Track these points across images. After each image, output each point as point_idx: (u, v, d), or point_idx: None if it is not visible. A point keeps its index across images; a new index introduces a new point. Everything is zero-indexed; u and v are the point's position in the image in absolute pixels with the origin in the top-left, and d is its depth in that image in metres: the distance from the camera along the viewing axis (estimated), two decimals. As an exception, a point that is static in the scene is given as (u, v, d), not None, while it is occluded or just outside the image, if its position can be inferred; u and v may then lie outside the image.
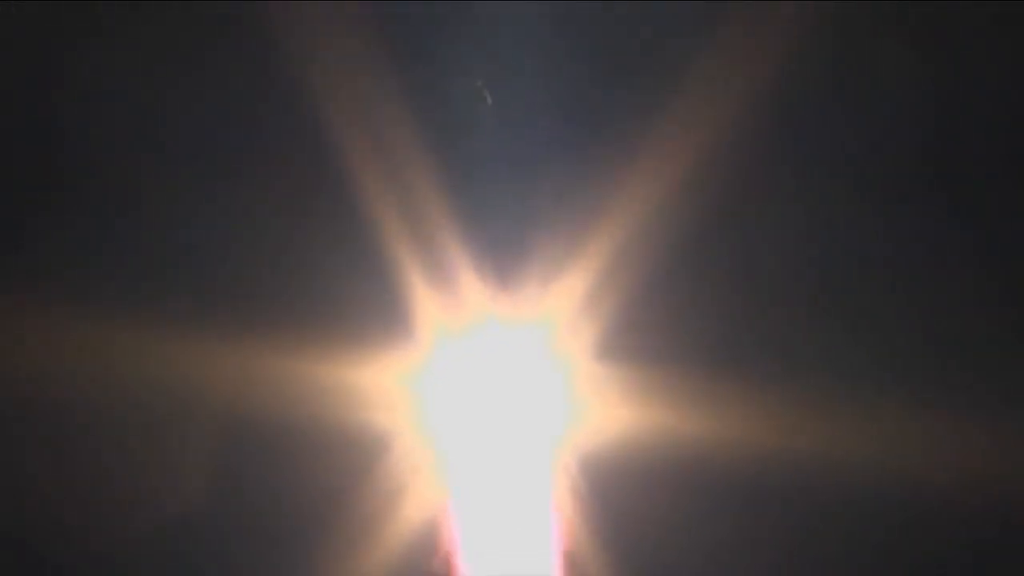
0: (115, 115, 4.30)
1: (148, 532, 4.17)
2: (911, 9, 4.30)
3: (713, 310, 4.25)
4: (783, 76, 4.22)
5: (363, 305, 4.13)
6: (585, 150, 4.22)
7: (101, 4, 4.25)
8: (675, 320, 4.20)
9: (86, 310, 4.17)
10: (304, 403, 4.09)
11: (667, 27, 4.34)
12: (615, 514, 4.10)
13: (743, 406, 4.11)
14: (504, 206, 4.17)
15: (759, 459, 4.07)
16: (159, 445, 4.19)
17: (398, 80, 4.19)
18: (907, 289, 4.32)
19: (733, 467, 4.06)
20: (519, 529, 4.11)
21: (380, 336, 4.13)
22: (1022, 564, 4.19)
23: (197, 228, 4.23)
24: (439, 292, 4.12)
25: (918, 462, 4.13)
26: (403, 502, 4.08)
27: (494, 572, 4.07)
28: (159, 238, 4.26)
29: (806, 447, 4.11)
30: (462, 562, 4.07)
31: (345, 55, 4.19)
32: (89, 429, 4.18)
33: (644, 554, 4.09)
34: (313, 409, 4.08)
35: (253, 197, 4.20)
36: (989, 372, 4.22)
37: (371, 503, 4.07)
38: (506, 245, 4.16)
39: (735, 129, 4.22)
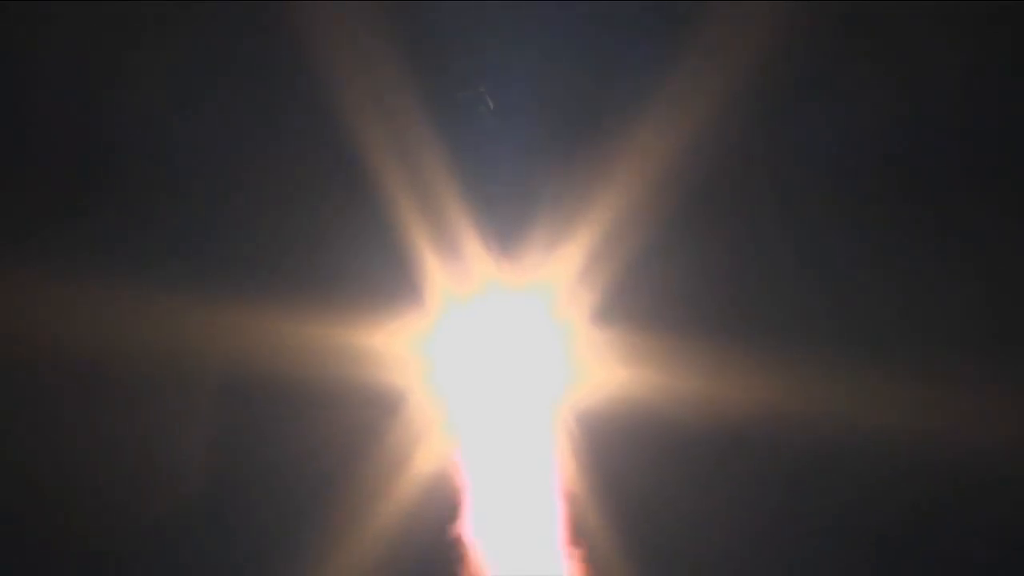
0: (162, 114, 4.59)
1: (178, 483, 4.45)
2: (889, 14, 4.57)
3: (704, 278, 4.51)
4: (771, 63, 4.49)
5: (378, 274, 4.40)
6: (584, 131, 4.48)
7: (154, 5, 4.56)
8: (668, 287, 4.46)
9: (134, 283, 4.44)
10: (323, 364, 4.35)
11: (654, 29, 4.62)
12: (611, 466, 4.38)
13: (732, 367, 4.37)
14: (507, 183, 4.44)
15: (746, 415, 4.33)
16: (192, 403, 4.46)
17: (408, 72, 4.46)
18: (885, 264, 4.57)
19: (721, 423, 4.33)
20: (522, 479, 4.39)
21: (393, 302, 4.40)
22: (992, 511, 4.45)
23: (229, 208, 4.51)
24: (448, 262, 4.40)
25: (895, 419, 4.38)
26: (415, 455, 4.35)
27: (500, 521, 4.35)
28: (197, 217, 4.54)
29: (791, 405, 4.36)
30: (470, 512, 4.35)
31: (360, 53, 4.45)
32: (132, 392, 4.46)
33: (637, 501, 4.37)
34: (332, 369, 4.34)
35: (279, 179, 4.49)
36: (959, 341, 4.49)
37: (386, 456, 4.34)
38: (509, 218, 4.43)
39: (727, 112, 4.46)
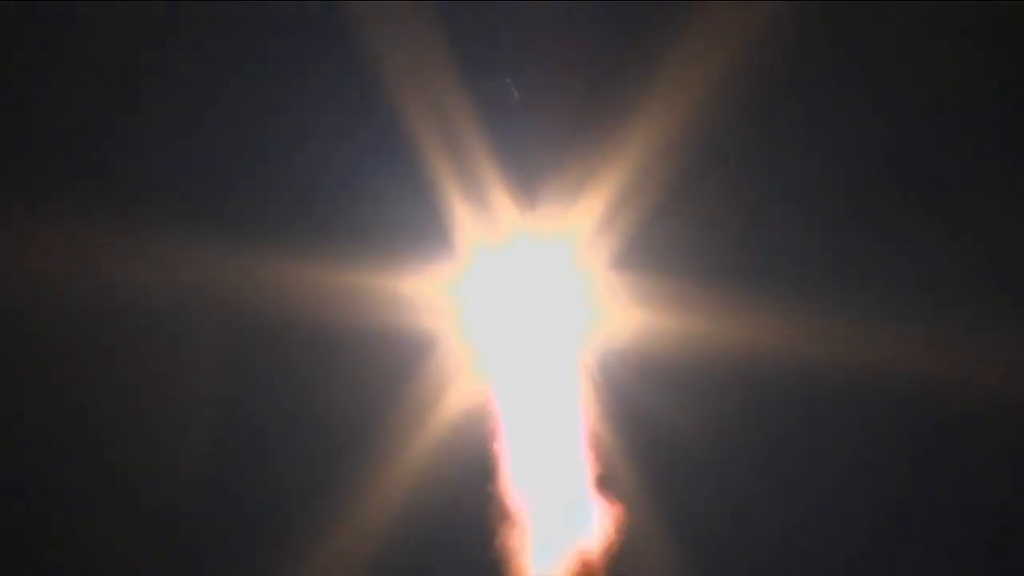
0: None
1: (213, 423, 4.70)
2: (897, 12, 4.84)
3: (716, 227, 4.78)
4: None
5: (412, 224, 4.67)
6: (600, 91, 4.73)
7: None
8: (682, 236, 4.72)
9: (164, 230, 4.69)
10: (362, 309, 4.62)
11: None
12: (630, 402, 4.67)
13: (740, 311, 4.66)
14: (532, 138, 4.70)
15: (754, 355, 4.62)
16: (225, 347, 4.71)
17: (440, 35, 4.71)
18: (893, 220, 4.86)
19: (731, 363, 4.62)
20: (548, 416, 4.68)
21: (427, 250, 4.67)
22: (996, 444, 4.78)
23: (265, 160, 4.76)
24: (477, 212, 4.66)
25: (897, 362, 4.67)
26: (448, 393, 4.63)
27: (530, 455, 4.63)
28: (234, 168, 4.78)
29: (798, 346, 4.65)
30: (502, 444, 4.63)
31: (392, 25, 4.71)
32: (157, 343, 4.73)
33: (654, 435, 4.67)
34: (369, 314, 4.61)
35: (315, 133, 4.74)
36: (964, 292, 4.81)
37: (421, 394, 4.62)
38: (534, 170, 4.69)
39: (739, 64, 4.72)
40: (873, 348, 4.68)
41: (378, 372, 4.63)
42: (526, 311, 4.73)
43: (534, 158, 4.69)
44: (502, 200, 4.66)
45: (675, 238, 4.73)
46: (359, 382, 4.64)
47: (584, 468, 4.68)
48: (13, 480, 4.75)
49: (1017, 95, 4.89)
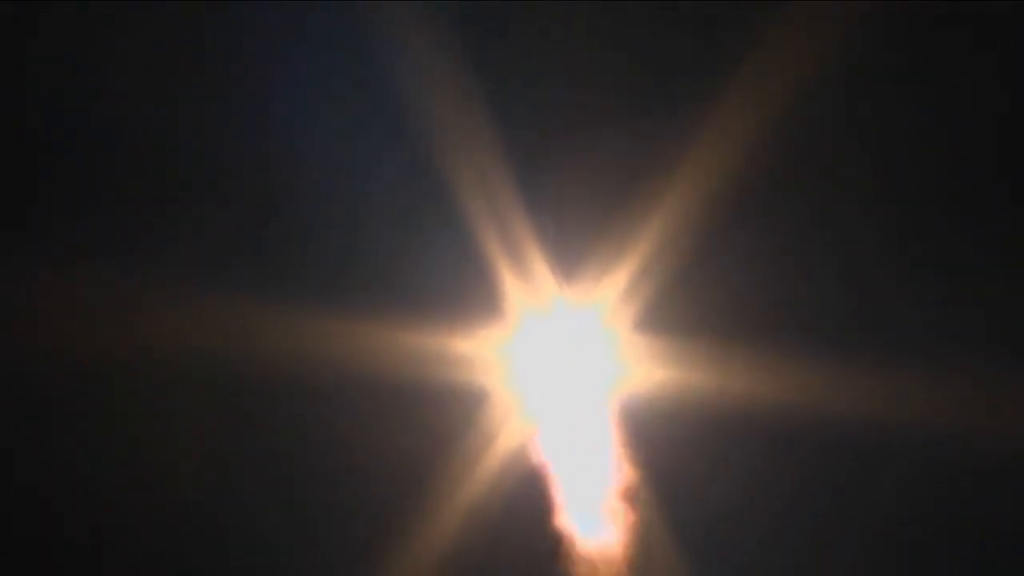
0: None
1: (287, 464, 5.21)
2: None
3: (733, 291, 5.16)
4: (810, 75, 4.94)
5: (465, 292, 5.17)
6: (628, 172, 5.18)
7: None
8: (701, 301, 5.15)
9: (228, 297, 5.10)
10: (420, 366, 5.11)
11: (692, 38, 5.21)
12: (655, 451, 5.15)
13: (756, 368, 5.02)
14: (570, 218, 5.20)
15: (770, 410, 4.94)
16: (308, 403, 5.18)
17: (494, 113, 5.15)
18: (913, 270, 5.04)
19: (748, 416, 4.99)
20: (584, 460, 5.23)
21: (478, 315, 5.17)
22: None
23: (337, 231, 5.29)
24: (522, 282, 5.15)
25: (914, 414, 4.82)
26: (497, 441, 5.16)
27: (570, 493, 5.19)
28: (301, 235, 5.29)
29: (812, 401, 4.91)
30: (549, 484, 5.18)
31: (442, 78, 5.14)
32: (225, 400, 5.15)
33: (675, 481, 5.15)
34: (427, 370, 5.12)
35: (383, 215, 5.29)
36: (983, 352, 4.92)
37: (472, 443, 5.14)
38: (571, 246, 5.18)
39: (760, 129, 4.98)
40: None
41: (437, 421, 5.13)
42: (565, 368, 5.23)
43: (571, 237, 5.18)
44: (544, 270, 5.14)
45: (696, 303, 5.13)
46: (419, 430, 5.14)
47: (615, 504, 5.23)
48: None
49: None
